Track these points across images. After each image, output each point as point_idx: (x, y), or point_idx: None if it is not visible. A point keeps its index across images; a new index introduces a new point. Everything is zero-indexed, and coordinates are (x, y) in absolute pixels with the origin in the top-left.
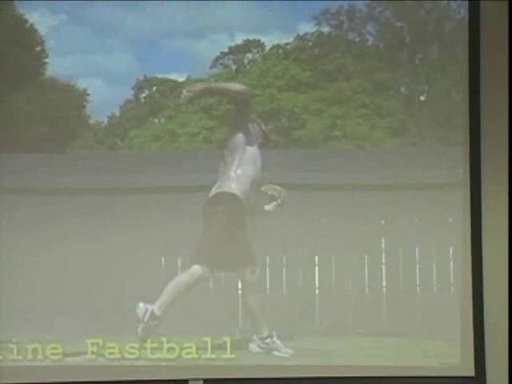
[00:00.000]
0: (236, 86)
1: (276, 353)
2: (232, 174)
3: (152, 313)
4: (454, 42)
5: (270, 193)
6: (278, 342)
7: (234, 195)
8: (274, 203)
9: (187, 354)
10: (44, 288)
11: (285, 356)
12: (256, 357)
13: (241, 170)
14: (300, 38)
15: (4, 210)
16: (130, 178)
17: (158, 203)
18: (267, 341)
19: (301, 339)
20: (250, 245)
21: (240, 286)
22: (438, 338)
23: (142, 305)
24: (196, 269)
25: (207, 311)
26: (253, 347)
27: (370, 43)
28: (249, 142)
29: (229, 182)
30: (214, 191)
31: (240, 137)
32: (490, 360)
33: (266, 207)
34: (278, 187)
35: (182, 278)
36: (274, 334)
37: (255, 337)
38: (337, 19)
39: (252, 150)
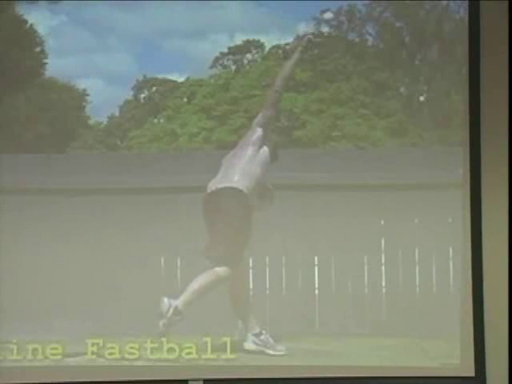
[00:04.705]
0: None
1: (271, 351)
2: (239, 168)
3: (176, 308)
4: (453, 42)
5: (260, 192)
6: (270, 339)
7: (241, 191)
8: (266, 202)
9: (187, 354)
10: (44, 288)
11: (279, 354)
12: (256, 357)
13: (250, 166)
14: (300, 38)
15: (4, 210)
16: (130, 178)
17: (158, 203)
18: (262, 337)
19: (300, 339)
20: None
21: (231, 283)
22: (438, 338)
23: (166, 300)
24: (219, 270)
25: (207, 311)
26: (248, 345)
27: (369, 43)
28: (266, 142)
29: (234, 176)
30: (218, 185)
31: (260, 133)
32: (490, 360)
33: (261, 206)
34: (269, 186)
35: (207, 278)
36: (267, 330)
37: (249, 334)
38: (336, 19)
39: (266, 151)
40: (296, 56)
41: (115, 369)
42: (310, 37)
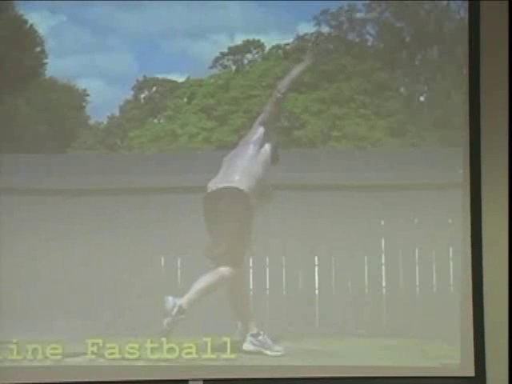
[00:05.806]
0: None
1: (269, 352)
2: (240, 168)
3: (180, 307)
4: (453, 43)
5: (261, 191)
6: (268, 340)
7: (242, 191)
8: (265, 201)
9: (187, 354)
10: (44, 288)
11: (277, 355)
12: (256, 357)
13: (251, 166)
14: (300, 38)
15: (4, 210)
16: (130, 178)
17: (158, 203)
18: (260, 338)
19: (301, 340)
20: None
21: (231, 283)
22: (437, 339)
23: (170, 298)
24: (223, 270)
25: (207, 311)
26: (246, 345)
27: (369, 43)
28: (268, 140)
29: (235, 175)
30: (218, 185)
31: (262, 131)
32: (490, 360)
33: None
34: (269, 185)
35: (211, 278)
36: (267, 330)
37: (248, 335)
38: (336, 19)
39: (267, 151)
40: (307, 62)
41: (115, 369)
42: (322, 43)
